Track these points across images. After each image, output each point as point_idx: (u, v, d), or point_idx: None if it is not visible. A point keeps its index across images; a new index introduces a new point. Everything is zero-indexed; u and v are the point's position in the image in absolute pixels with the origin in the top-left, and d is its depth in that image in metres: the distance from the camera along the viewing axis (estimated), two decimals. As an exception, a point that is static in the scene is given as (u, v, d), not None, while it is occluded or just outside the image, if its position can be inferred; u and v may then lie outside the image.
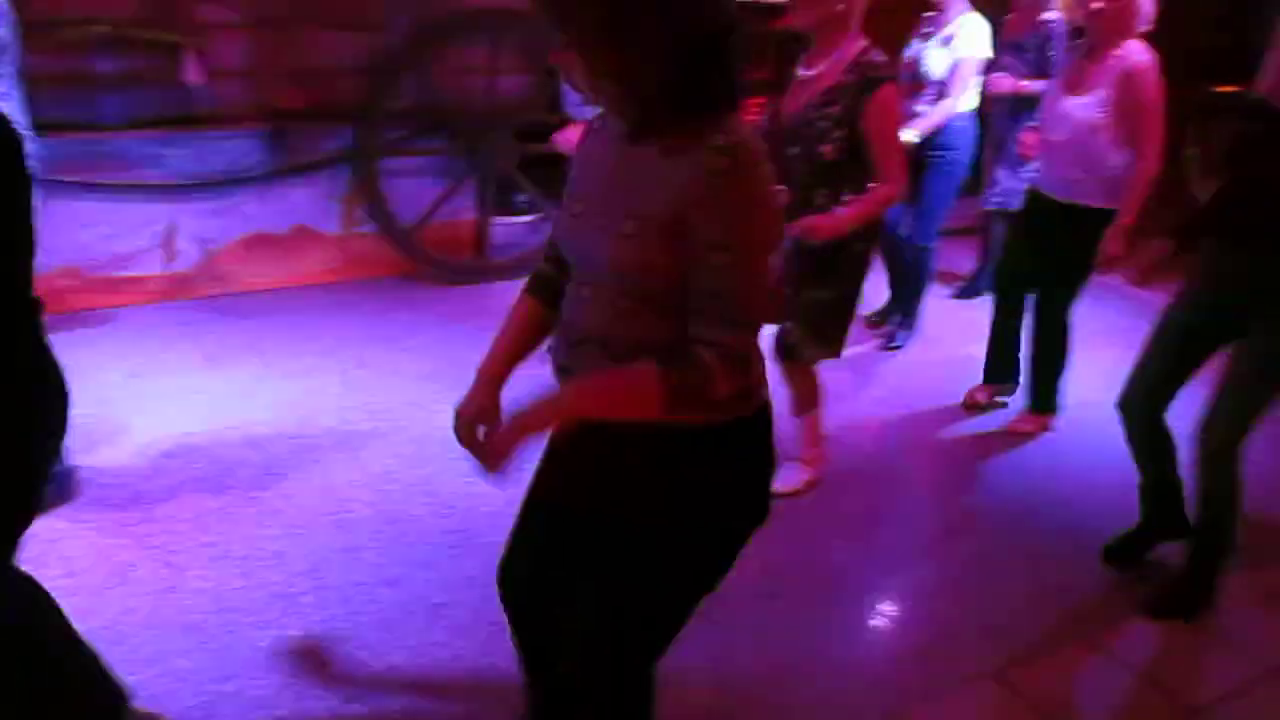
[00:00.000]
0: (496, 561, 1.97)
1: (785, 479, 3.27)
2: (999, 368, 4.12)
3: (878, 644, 2.79)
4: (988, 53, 4.41)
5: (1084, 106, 3.47)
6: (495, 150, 4.97)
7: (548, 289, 1.79)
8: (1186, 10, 4.48)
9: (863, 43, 2.89)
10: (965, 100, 4.42)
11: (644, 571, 1.67)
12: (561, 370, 1.68)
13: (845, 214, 2.90)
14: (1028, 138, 3.86)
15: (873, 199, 2.91)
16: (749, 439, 1.66)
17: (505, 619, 1.95)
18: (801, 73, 2.96)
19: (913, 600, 3.00)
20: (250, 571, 2.79)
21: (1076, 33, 3.61)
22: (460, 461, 3.41)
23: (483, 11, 4.82)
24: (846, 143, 2.85)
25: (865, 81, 2.81)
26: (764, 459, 1.70)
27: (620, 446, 1.61)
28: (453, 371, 4.06)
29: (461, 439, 1.77)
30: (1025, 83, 4.57)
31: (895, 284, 4.81)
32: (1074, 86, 3.53)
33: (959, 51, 4.32)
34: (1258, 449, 2.86)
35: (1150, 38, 3.47)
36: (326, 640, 2.56)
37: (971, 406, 4.13)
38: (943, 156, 4.44)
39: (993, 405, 4.13)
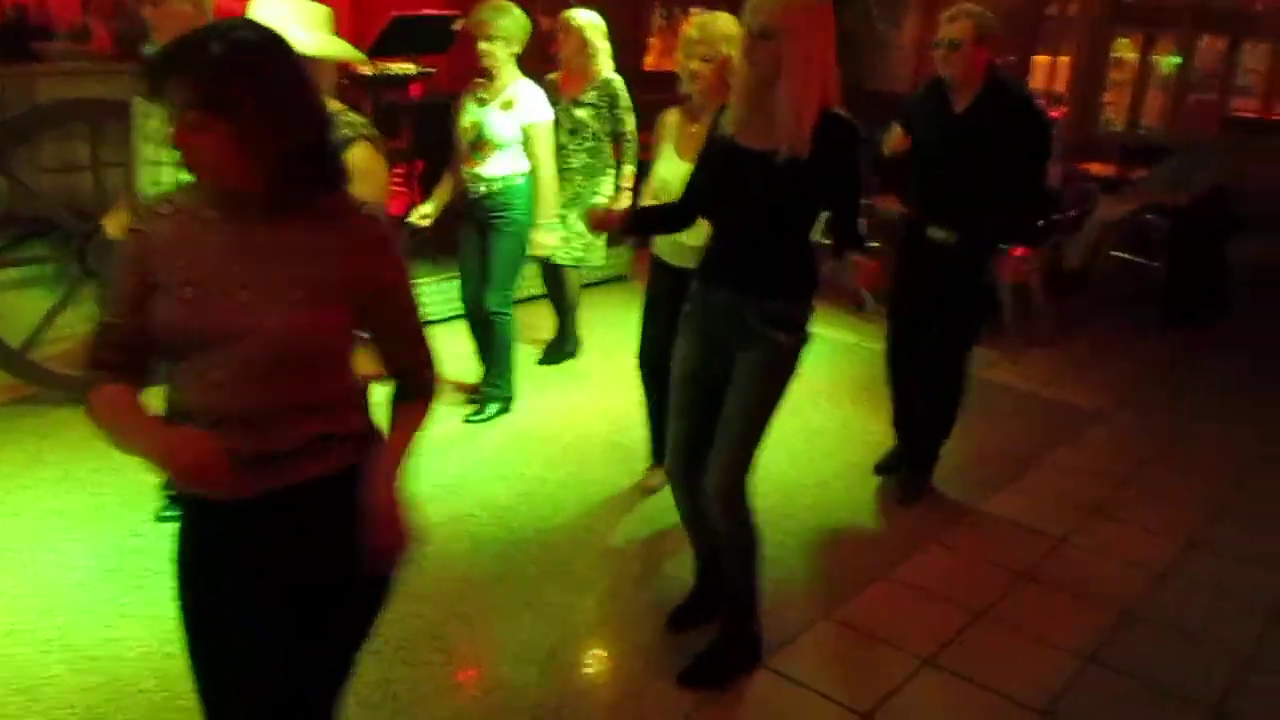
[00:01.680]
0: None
1: None
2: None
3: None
4: (550, 115, 4.40)
5: None
6: (109, 251, 4.55)
7: (132, 376, 1.70)
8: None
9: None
10: (524, 162, 4.35)
11: (334, 617, 1.78)
12: None
13: None
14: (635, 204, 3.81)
15: None
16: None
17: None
18: None
19: (554, 664, 2.99)
20: None
21: (681, 92, 3.73)
22: (101, 604, 3.09)
23: (74, 103, 4.43)
24: None
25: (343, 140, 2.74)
26: None
27: (307, 507, 1.70)
28: (87, 504, 3.69)
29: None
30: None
31: (483, 353, 4.65)
32: (688, 151, 3.46)
33: (525, 117, 4.25)
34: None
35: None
36: None
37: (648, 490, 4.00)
38: (504, 219, 4.35)
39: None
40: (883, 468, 4.26)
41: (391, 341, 1.79)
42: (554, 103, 4.75)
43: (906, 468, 4.14)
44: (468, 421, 4.51)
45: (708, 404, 2.80)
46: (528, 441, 4.41)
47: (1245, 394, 5.55)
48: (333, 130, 1.71)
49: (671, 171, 3.50)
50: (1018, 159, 3.70)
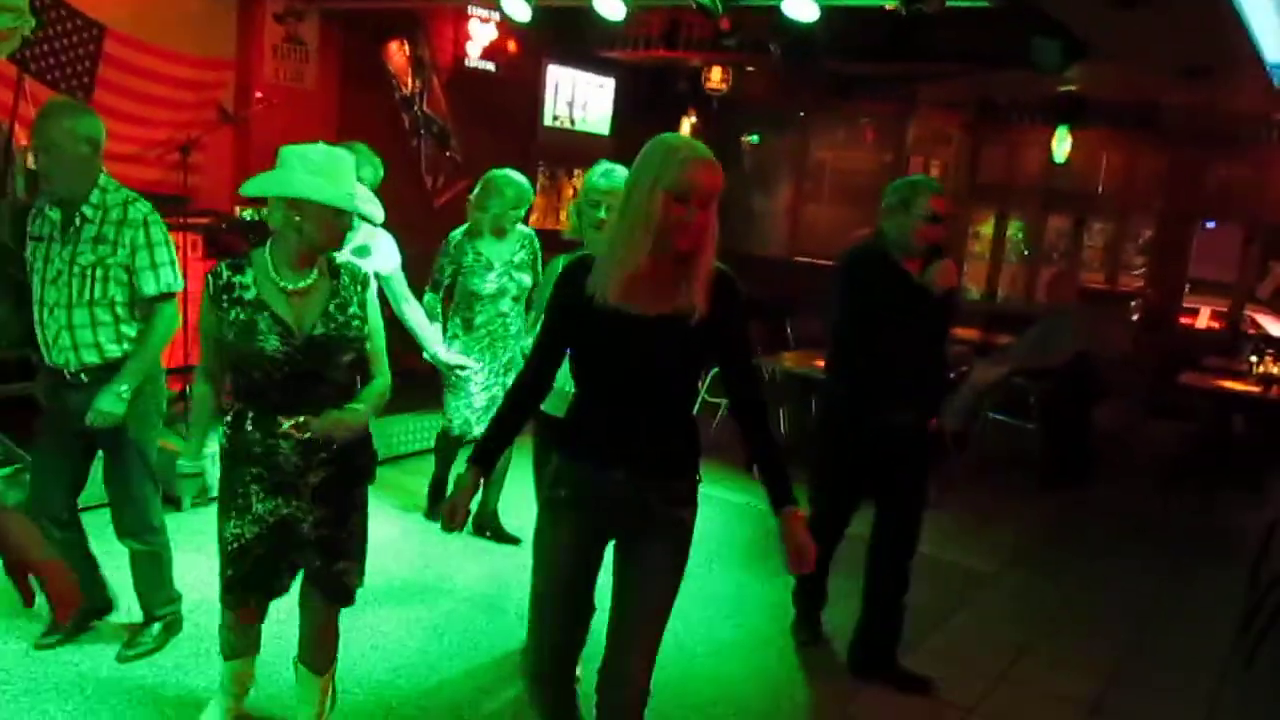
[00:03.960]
0: None
1: None
2: None
3: None
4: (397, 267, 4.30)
5: None
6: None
7: None
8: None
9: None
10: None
11: None
12: None
13: (364, 410, 2.80)
14: None
15: (379, 394, 2.85)
16: None
17: None
18: (291, 288, 2.72)
19: None
20: None
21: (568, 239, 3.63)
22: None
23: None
24: (364, 340, 2.83)
25: (364, 279, 2.88)
26: None
27: None
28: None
29: None
30: None
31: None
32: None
33: (378, 265, 4.09)
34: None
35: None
36: None
37: None
38: None
39: None
40: (810, 637, 4.08)
41: None
42: (489, 268, 4.59)
43: (881, 639, 3.82)
44: None
45: (586, 607, 2.53)
46: (415, 606, 4.14)
47: (1119, 559, 5.61)
48: None
49: None
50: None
